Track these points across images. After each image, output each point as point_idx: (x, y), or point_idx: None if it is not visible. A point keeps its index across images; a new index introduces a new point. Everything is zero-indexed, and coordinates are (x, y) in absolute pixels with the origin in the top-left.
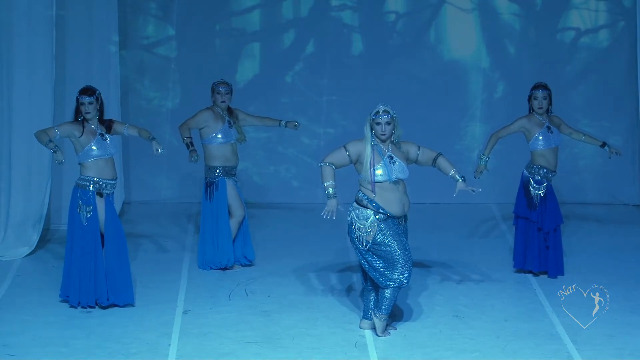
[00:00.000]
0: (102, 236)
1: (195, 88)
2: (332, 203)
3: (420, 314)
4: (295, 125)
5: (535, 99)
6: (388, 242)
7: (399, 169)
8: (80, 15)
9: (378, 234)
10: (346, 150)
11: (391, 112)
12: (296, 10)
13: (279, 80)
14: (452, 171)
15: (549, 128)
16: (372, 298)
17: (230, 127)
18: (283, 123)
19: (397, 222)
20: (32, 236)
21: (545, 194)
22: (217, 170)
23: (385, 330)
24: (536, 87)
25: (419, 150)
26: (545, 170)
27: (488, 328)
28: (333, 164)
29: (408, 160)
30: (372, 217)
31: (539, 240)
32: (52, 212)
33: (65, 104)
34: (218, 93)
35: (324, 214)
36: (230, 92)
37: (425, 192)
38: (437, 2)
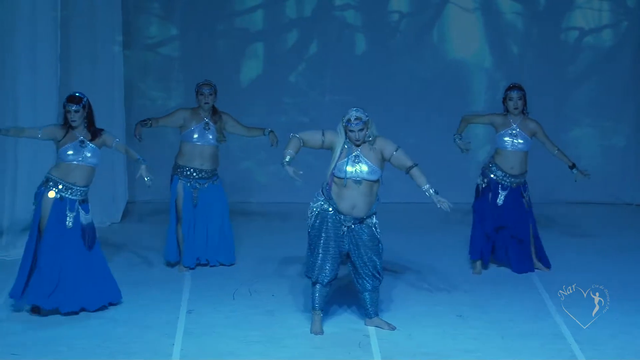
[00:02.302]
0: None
1: None
2: (289, 170)
3: (423, 314)
4: (274, 140)
5: (510, 99)
6: (317, 233)
7: (365, 169)
8: (84, 15)
9: (316, 220)
10: (323, 135)
11: (363, 117)
12: (299, 10)
13: (282, 80)
14: (426, 186)
15: (516, 132)
16: (362, 297)
17: (207, 128)
18: (267, 131)
19: (340, 221)
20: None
21: (504, 197)
22: (177, 169)
23: (384, 324)
24: (511, 88)
25: (394, 152)
26: (501, 173)
27: (492, 328)
28: (303, 140)
29: (383, 158)
30: (319, 202)
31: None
32: None
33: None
34: (201, 94)
35: (296, 181)
36: (213, 93)
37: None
38: (440, 1)
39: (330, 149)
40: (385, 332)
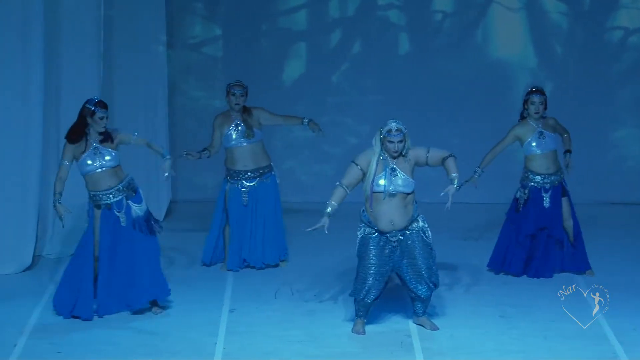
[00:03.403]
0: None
1: None
2: (323, 220)
3: (466, 315)
4: (316, 128)
5: (532, 103)
6: (363, 256)
7: (400, 182)
8: (128, 15)
9: (362, 244)
10: (357, 165)
11: (403, 129)
12: (343, 9)
13: (324, 80)
14: (454, 175)
15: (541, 133)
16: (414, 302)
17: (238, 130)
18: (305, 121)
19: (385, 241)
20: (80, 234)
21: (549, 197)
22: (226, 171)
23: (428, 324)
24: (533, 91)
25: (427, 153)
26: (539, 177)
27: (534, 328)
28: (348, 186)
29: (418, 164)
30: (362, 229)
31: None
32: None
33: (113, 104)
34: (232, 95)
35: (309, 228)
36: (245, 94)
37: (461, 191)
38: (485, 1)
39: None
40: (427, 332)
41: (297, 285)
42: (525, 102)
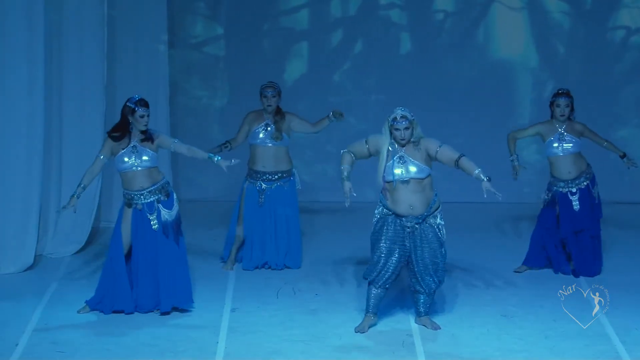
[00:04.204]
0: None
1: (243, 87)
2: (346, 185)
3: (468, 314)
4: (341, 116)
5: (557, 106)
6: (378, 237)
7: (410, 168)
8: (130, 14)
9: (377, 224)
10: (366, 144)
11: (409, 116)
12: (344, 9)
13: (326, 79)
14: (477, 171)
15: (562, 135)
16: (416, 297)
17: (267, 130)
18: (331, 116)
19: (402, 225)
20: (82, 234)
21: (557, 201)
22: (248, 170)
23: (429, 323)
24: (559, 94)
25: (438, 148)
26: (562, 183)
27: (536, 328)
28: (354, 154)
29: (429, 157)
30: (380, 208)
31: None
32: (102, 210)
33: (115, 103)
34: (264, 97)
35: (347, 202)
36: (277, 94)
37: (461, 191)
38: (486, 0)
39: (377, 153)
40: (429, 331)
41: (299, 284)
42: (551, 104)
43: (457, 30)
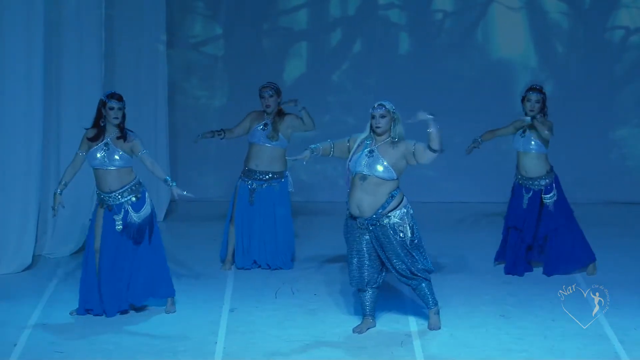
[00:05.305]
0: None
1: (242, 87)
2: (305, 153)
3: (467, 314)
4: (293, 102)
5: (528, 100)
6: (345, 239)
7: (376, 165)
8: (129, 14)
9: (344, 225)
10: (348, 142)
11: (387, 106)
12: (343, 8)
13: (325, 79)
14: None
15: (524, 131)
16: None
17: (264, 129)
18: (300, 108)
19: (354, 225)
20: (80, 234)
21: (528, 199)
22: (243, 168)
23: (431, 322)
24: (531, 89)
25: (414, 144)
26: (520, 176)
27: (535, 328)
28: (334, 145)
29: (407, 159)
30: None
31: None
32: None
33: None
34: (262, 97)
35: (291, 157)
36: (274, 95)
37: (461, 191)
38: (485, 0)
39: None
40: (427, 331)
41: (297, 284)
42: (523, 99)
43: (456, 30)
